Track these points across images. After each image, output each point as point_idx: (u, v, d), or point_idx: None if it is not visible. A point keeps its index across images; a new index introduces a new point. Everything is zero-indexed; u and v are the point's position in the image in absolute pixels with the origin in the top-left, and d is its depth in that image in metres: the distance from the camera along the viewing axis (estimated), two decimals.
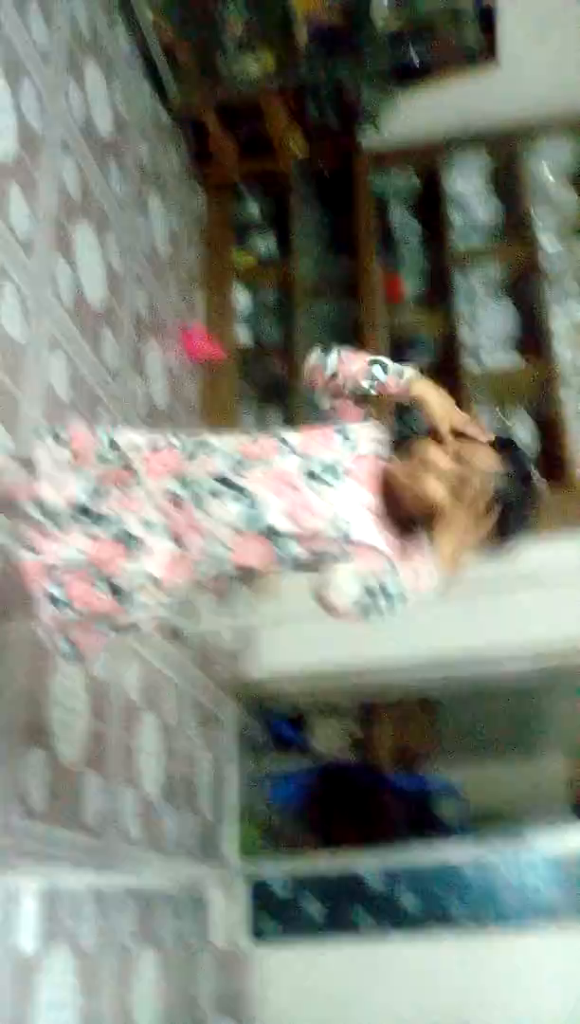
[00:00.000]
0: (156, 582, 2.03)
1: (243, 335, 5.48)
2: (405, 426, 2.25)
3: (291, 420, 4.33)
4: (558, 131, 5.53)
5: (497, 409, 5.15)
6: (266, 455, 2.07)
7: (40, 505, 2.07)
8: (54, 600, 2.00)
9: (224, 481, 2.03)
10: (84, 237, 3.81)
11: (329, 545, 2.03)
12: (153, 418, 4.28)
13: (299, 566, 2.08)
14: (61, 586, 2.00)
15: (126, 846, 3.44)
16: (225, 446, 2.10)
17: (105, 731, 3.39)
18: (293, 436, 2.11)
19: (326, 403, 2.19)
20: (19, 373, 3.13)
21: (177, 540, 2.03)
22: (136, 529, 2.02)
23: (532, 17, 5.26)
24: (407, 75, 5.36)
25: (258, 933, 4.46)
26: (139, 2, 4.56)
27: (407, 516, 2.09)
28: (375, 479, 2.10)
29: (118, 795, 3.43)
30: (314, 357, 2.19)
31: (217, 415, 4.98)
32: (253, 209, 5.68)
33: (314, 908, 4.49)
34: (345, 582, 1.95)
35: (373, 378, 2.12)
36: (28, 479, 2.14)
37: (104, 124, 4.19)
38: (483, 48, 5.12)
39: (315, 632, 4.42)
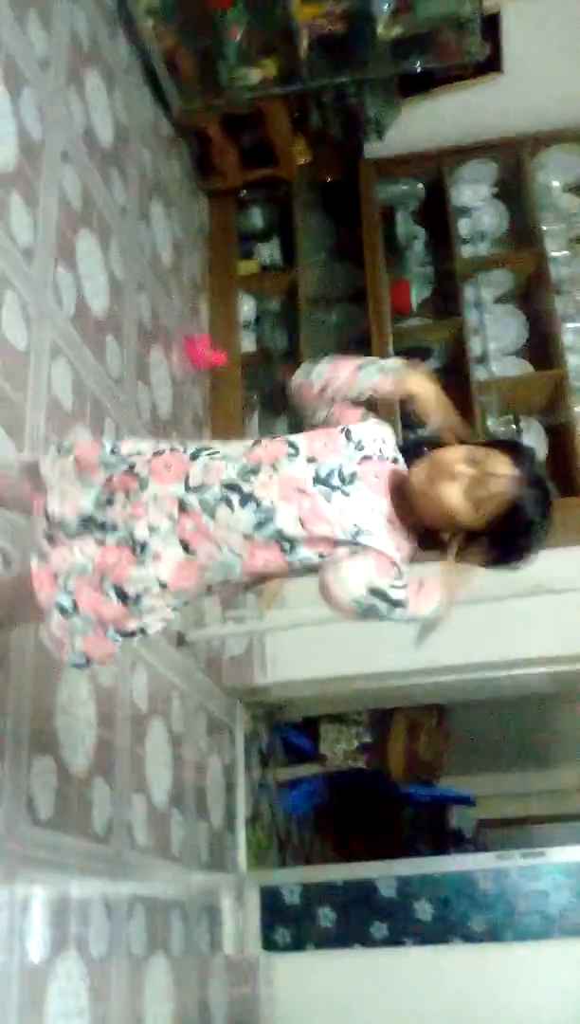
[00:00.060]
0: (164, 587, 2.02)
1: (248, 343, 5.50)
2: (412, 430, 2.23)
3: (297, 427, 4.34)
4: (564, 140, 5.55)
5: (507, 417, 5.15)
6: (273, 460, 2.05)
7: (48, 516, 2.08)
8: (62, 609, 2.00)
9: (233, 487, 2.01)
10: (86, 245, 3.81)
11: (339, 548, 2.01)
12: (157, 426, 4.28)
13: (310, 570, 2.06)
14: (69, 594, 1.99)
15: (135, 854, 3.43)
16: (232, 451, 2.08)
17: (113, 739, 3.38)
18: (299, 439, 2.09)
19: (322, 414, 2.18)
20: (22, 381, 3.14)
21: (185, 545, 2.01)
22: (143, 535, 2.00)
23: (536, 26, 5.28)
24: (411, 84, 5.39)
25: (269, 942, 4.43)
26: (138, 10, 4.57)
27: (419, 520, 2.08)
28: (384, 481, 2.08)
29: (126, 803, 3.42)
30: (299, 375, 2.19)
31: (222, 423, 4.99)
32: (256, 217, 5.70)
33: (326, 917, 4.47)
34: (351, 577, 1.95)
35: (364, 383, 2.12)
36: (35, 487, 2.14)
37: (105, 133, 4.20)
38: (487, 57, 5.13)
39: (324, 639, 4.44)
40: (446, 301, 5.49)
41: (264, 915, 4.47)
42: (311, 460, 2.05)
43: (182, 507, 2.01)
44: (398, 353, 4.95)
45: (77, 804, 3.05)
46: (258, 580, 2.13)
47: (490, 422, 4.95)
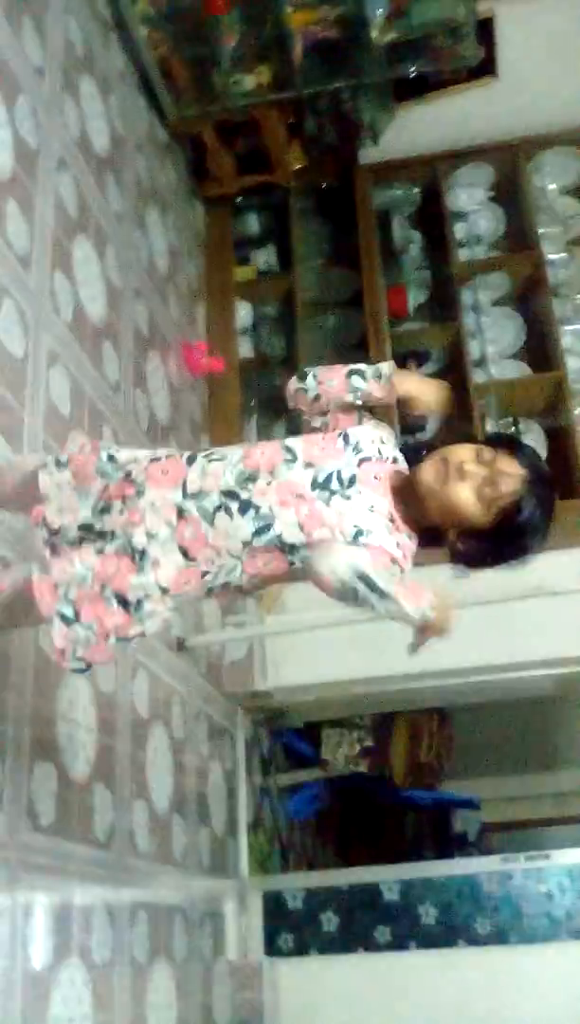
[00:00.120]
0: (165, 592, 2.02)
1: (245, 348, 5.50)
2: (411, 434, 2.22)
3: (295, 432, 4.34)
4: (559, 142, 5.56)
5: (506, 420, 5.15)
6: (271, 467, 2.04)
7: (47, 527, 2.08)
8: (64, 617, 1.99)
9: (231, 495, 2.01)
10: (83, 252, 3.82)
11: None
12: (156, 432, 4.28)
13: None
14: (71, 603, 1.99)
15: (137, 860, 3.43)
16: (229, 457, 2.08)
17: (113, 744, 3.38)
18: (297, 444, 2.09)
19: (317, 421, 2.19)
20: (20, 388, 3.14)
21: (185, 552, 2.01)
22: (142, 542, 2.00)
23: (530, 30, 5.29)
24: (405, 88, 5.39)
25: (273, 947, 4.42)
26: (133, 18, 4.58)
27: (423, 518, 2.08)
28: (384, 481, 2.07)
29: (128, 809, 3.42)
30: (293, 383, 2.20)
31: (221, 429, 5.00)
32: (252, 223, 5.71)
33: (330, 921, 4.46)
34: (341, 558, 1.92)
35: (355, 390, 2.12)
36: (34, 496, 2.14)
37: (101, 140, 4.21)
38: (481, 61, 5.13)
39: (325, 643, 4.45)
40: (443, 305, 5.50)
41: (267, 920, 4.46)
42: (309, 465, 2.04)
43: (180, 514, 2.01)
44: (396, 357, 4.95)
45: (78, 810, 3.05)
46: (259, 583, 2.13)
47: (489, 425, 4.95)
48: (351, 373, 2.13)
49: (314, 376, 2.16)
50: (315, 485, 2.02)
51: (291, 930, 4.45)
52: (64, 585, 1.99)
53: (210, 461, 2.07)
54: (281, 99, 5.04)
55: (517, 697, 5.68)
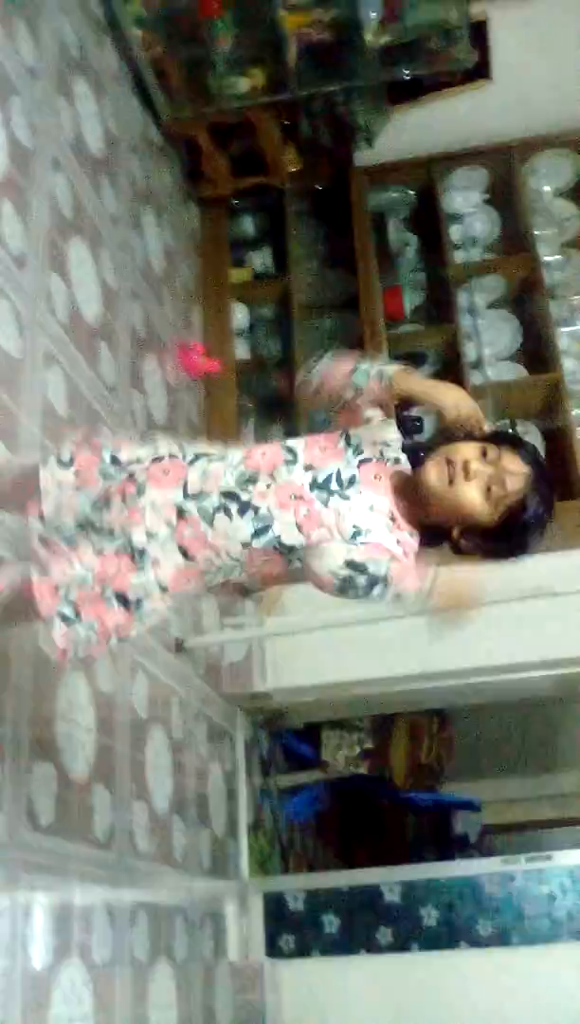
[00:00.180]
0: (165, 591, 2.02)
1: (241, 350, 5.50)
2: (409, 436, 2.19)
3: (293, 434, 4.36)
4: (554, 145, 5.57)
5: (503, 422, 5.14)
6: (271, 468, 2.04)
7: (46, 523, 2.07)
8: (65, 617, 1.99)
9: (231, 496, 2.01)
10: (78, 253, 3.82)
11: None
12: (152, 433, 4.27)
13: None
14: (71, 604, 1.99)
15: (137, 860, 3.42)
16: (230, 458, 2.07)
17: (113, 745, 3.37)
18: (298, 445, 2.09)
19: (323, 414, 2.18)
20: (16, 388, 3.14)
21: (184, 552, 2.01)
22: (141, 541, 2.00)
23: (524, 32, 5.29)
24: (400, 91, 5.40)
25: (274, 948, 4.42)
26: (126, 19, 4.58)
27: (427, 518, 2.07)
28: (385, 481, 2.06)
29: (127, 809, 3.41)
30: (303, 372, 2.18)
31: (217, 430, 4.99)
32: (248, 225, 5.72)
33: (331, 923, 4.45)
34: (331, 551, 1.92)
35: (355, 387, 2.09)
36: (31, 492, 2.14)
37: (95, 141, 4.21)
38: (475, 64, 5.15)
39: (324, 645, 4.45)
40: (439, 307, 5.51)
41: (268, 922, 4.46)
42: (309, 467, 2.04)
43: (180, 514, 2.01)
44: (393, 359, 4.94)
45: (78, 810, 3.04)
46: (259, 581, 2.12)
47: (486, 427, 4.94)
48: (355, 370, 2.09)
49: (321, 367, 2.13)
50: (314, 486, 2.02)
51: (292, 931, 4.44)
52: (64, 586, 1.99)
53: (211, 462, 2.06)
54: (275, 101, 5.05)
55: (517, 698, 5.67)
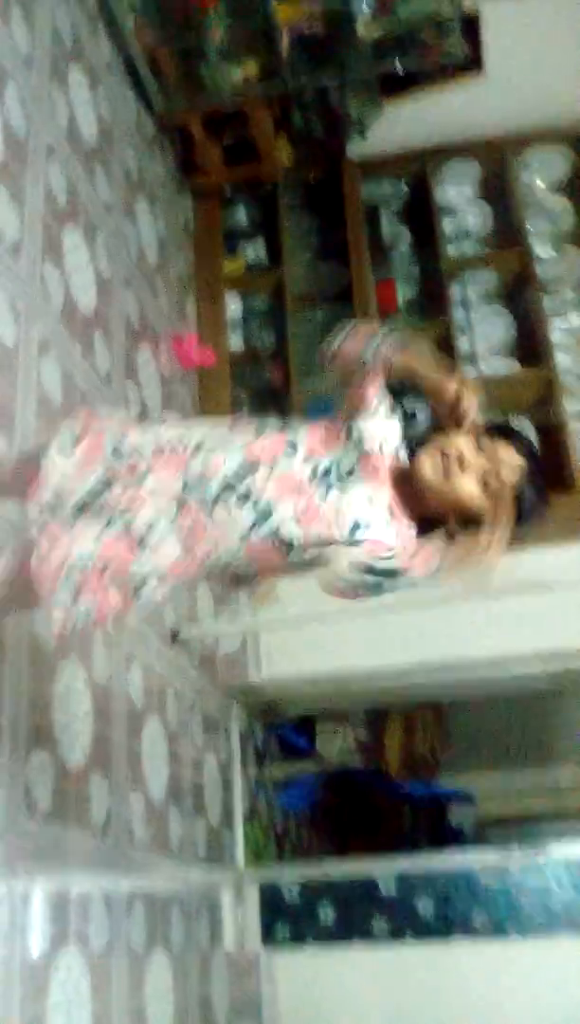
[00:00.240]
0: (163, 577, 2.03)
1: (235, 341, 5.49)
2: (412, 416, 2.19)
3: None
4: (547, 139, 5.56)
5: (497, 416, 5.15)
6: (272, 458, 2.04)
7: (46, 508, 2.07)
8: (64, 599, 2.00)
9: (230, 486, 2.01)
10: (72, 242, 3.81)
11: (340, 542, 2.01)
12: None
13: (308, 566, 2.06)
14: (71, 584, 1.99)
15: (133, 849, 3.42)
16: (231, 446, 2.06)
17: (109, 734, 3.37)
18: (300, 435, 2.08)
19: (339, 386, 2.16)
20: (11, 377, 3.13)
21: (186, 537, 2.02)
22: (142, 527, 2.00)
23: (516, 26, 5.29)
24: (392, 84, 5.39)
25: (270, 938, 4.42)
26: (120, 9, 4.58)
27: (424, 509, 2.07)
28: (383, 472, 2.07)
29: (124, 798, 3.41)
30: (326, 343, 2.16)
31: (211, 421, 4.98)
32: (241, 216, 5.71)
33: (326, 913, 4.45)
34: (339, 565, 1.96)
35: (366, 359, 2.09)
36: (32, 474, 2.13)
37: (89, 131, 4.20)
38: (468, 57, 5.14)
39: (319, 637, 4.44)
40: (432, 300, 5.49)
41: (264, 911, 4.46)
42: (309, 457, 2.04)
43: (181, 503, 2.01)
44: None
45: (75, 799, 3.04)
46: (256, 571, 2.12)
47: (476, 416, 4.94)
48: (372, 338, 2.08)
49: (342, 337, 2.12)
50: (314, 477, 2.02)
51: (288, 921, 4.45)
52: (64, 569, 1.99)
53: (212, 452, 2.05)
54: (268, 93, 5.04)
55: (512, 691, 5.67)
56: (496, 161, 5.59)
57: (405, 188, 5.80)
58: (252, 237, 5.69)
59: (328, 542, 2.00)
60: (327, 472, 2.02)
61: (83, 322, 3.79)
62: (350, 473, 2.03)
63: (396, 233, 5.73)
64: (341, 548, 1.97)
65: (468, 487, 2.01)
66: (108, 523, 2.02)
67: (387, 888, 4.48)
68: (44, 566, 2.00)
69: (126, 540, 2.00)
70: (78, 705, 3.18)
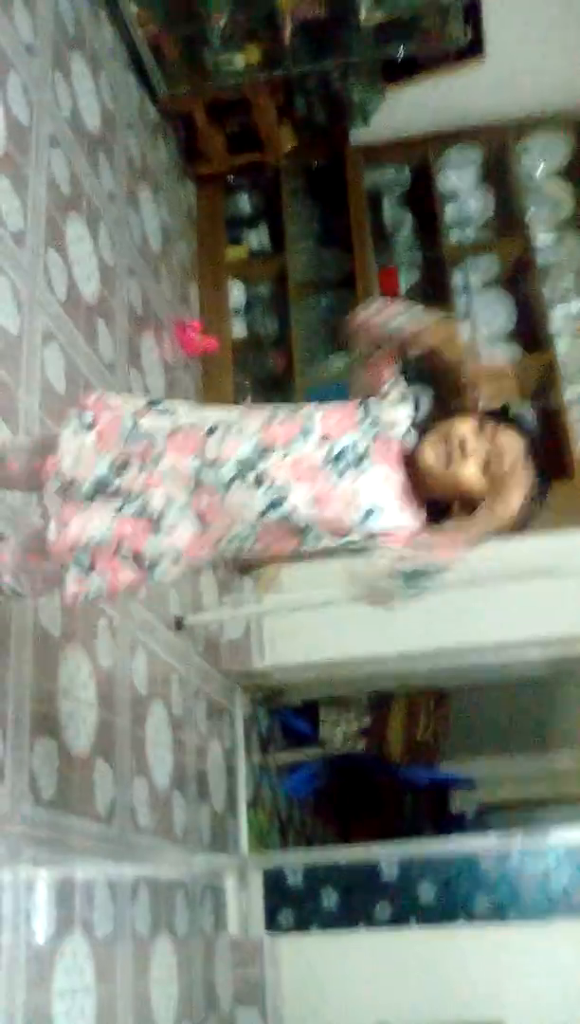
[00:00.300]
0: (178, 555, 2.04)
1: (238, 328, 5.49)
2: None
3: None
4: (549, 124, 5.55)
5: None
6: (287, 440, 2.04)
7: (62, 478, 2.07)
8: (79, 572, 2.02)
9: (247, 466, 2.01)
10: (75, 230, 3.81)
11: (354, 529, 2.02)
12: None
13: (323, 550, 2.07)
14: (86, 558, 2.01)
15: (138, 835, 3.44)
16: (248, 426, 2.07)
17: (113, 720, 3.39)
18: (315, 417, 2.08)
19: (359, 358, 2.16)
20: (15, 366, 3.14)
21: (200, 519, 2.03)
22: (159, 506, 2.01)
23: (518, 11, 5.27)
24: (394, 69, 5.38)
25: (273, 923, 4.44)
26: None
27: (430, 495, 2.08)
28: (395, 455, 2.07)
29: (128, 784, 3.43)
30: (357, 310, 2.15)
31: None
32: (244, 203, 5.71)
33: (330, 898, 4.47)
34: (378, 580, 1.97)
35: (392, 330, 2.08)
36: (48, 453, 2.14)
37: (92, 118, 4.20)
38: (470, 42, 5.13)
39: (322, 623, 4.45)
40: (434, 286, 5.49)
41: (267, 897, 4.47)
42: (325, 439, 2.04)
43: (198, 482, 2.02)
44: None
45: (80, 785, 3.06)
46: (269, 557, 2.14)
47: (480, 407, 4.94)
48: (404, 309, 2.09)
49: (372, 306, 2.13)
50: (329, 459, 2.02)
51: (291, 906, 4.46)
52: (81, 543, 2.01)
53: (228, 432, 2.06)
54: (271, 79, 5.04)
55: (513, 677, 5.69)
56: (498, 147, 5.59)
57: (407, 174, 5.79)
58: (255, 224, 5.68)
59: (346, 524, 2.01)
60: (342, 455, 2.03)
61: (86, 310, 3.79)
62: (364, 456, 2.04)
63: (398, 219, 5.73)
64: (382, 565, 1.98)
65: (468, 471, 2.01)
66: (123, 503, 2.03)
67: (390, 873, 4.49)
68: (60, 540, 2.02)
69: (141, 520, 2.01)
70: (82, 692, 3.19)
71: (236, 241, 5.62)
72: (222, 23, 4.77)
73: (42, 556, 2.09)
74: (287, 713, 5.79)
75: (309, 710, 5.82)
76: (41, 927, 2.73)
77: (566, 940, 4.29)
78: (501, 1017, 4.12)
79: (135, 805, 3.46)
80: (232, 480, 2.00)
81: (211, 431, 2.06)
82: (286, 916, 4.45)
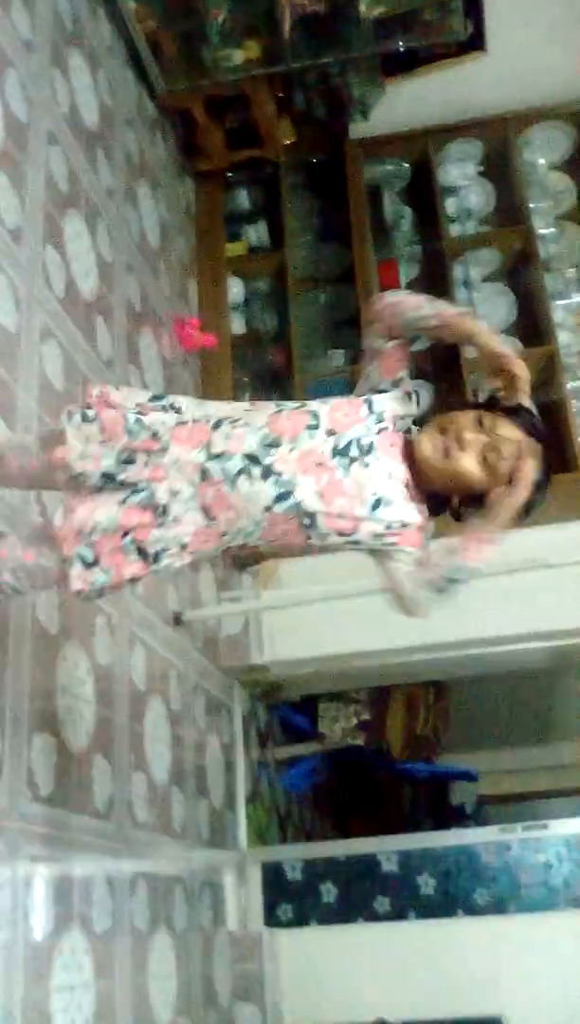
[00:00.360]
0: (183, 548, 2.05)
1: (237, 324, 5.49)
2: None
3: None
4: (549, 117, 5.54)
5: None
6: (294, 433, 2.05)
7: (68, 470, 2.07)
8: (84, 563, 2.03)
9: (253, 459, 2.02)
10: (74, 227, 3.81)
11: (361, 523, 2.03)
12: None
13: (329, 545, 2.09)
14: (90, 553, 2.02)
15: (136, 831, 3.45)
16: (254, 420, 2.08)
17: (112, 716, 3.39)
18: (322, 410, 2.09)
19: (377, 342, 2.13)
20: (13, 362, 3.14)
21: (206, 511, 2.03)
22: (164, 498, 2.02)
23: (518, 4, 5.29)
24: (394, 63, 5.38)
25: (272, 918, 4.45)
26: None
27: (430, 490, 2.09)
28: (399, 448, 2.08)
29: (127, 780, 3.43)
30: (379, 296, 2.15)
31: None
32: (243, 198, 5.70)
33: (329, 892, 4.48)
34: (415, 591, 2.03)
35: (410, 321, 2.06)
36: (54, 446, 2.14)
37: (90, 114, 4.20)
38: (470, 35, 5.13)
39: (321, 617, 4.46)
40: (435, 280, 5.49)
41: (266, 891, 4.49)
42: (331, 432, 2.05)
43: (203, 475, 2.02)
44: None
45: (78, 781, 3.07)
46: (275, 550, 2.15)
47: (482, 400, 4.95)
48: (419, 307, 2.07)
49: (396, 295, 2.12)
50: (336, 452, 2.03)
51: (290, 901, 4.48)
52: (87, 531, 2.02)
53: (234, 426, 2.07)
54: (270, 74, 5.03)
55: (511, 670, 5.70)
56: (498, 140, 5.57)
57: (407, 168, 5.79)
58: (254, 220, 5.68)
59: (352, 518, 2.02)
60: (349, 446, 2.04)
61: (85, 307, 3.79)
62: (370, 449, 2.05)
63: (398, 213, 5.72)
64: (413, 577, 2.03)
65: (466, 464, 2.02)
66: (130, 494, 2.04)
67: (389, 866, 4.50)
68: (66, 525, 2.03)
69: (146, 511, 2.02)
70: (80, 689, 3.20)
71: (235, 237, 5.62)
72: (221, 18, 4.76)
73: (42, 553, 2.10)
74: (286, 708, 5.80)
75: (308, 705, 5.83)
76: (39, 923, 2.74)
77: (566, 932, 4.30)
78: (501, 1009, 4.13)
79: (133, 801, 3.46)
80: (239, 473, 2.01)
81: (217, 425, 2.07)
82: (285, 910, 4.46)
